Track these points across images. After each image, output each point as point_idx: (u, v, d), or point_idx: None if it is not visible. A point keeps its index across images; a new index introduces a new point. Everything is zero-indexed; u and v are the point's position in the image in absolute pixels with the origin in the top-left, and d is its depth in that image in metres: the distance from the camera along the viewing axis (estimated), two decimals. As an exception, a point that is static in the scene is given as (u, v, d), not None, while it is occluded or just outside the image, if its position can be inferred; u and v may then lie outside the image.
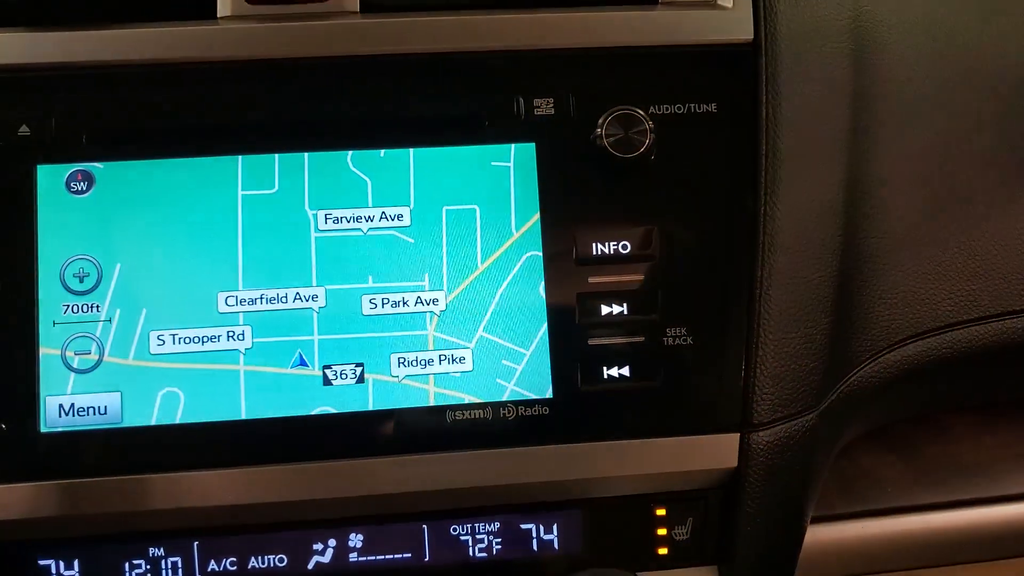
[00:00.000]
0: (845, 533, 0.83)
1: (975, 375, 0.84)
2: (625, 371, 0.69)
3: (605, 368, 0.69)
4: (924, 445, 0.87)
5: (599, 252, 0.70)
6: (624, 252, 0.70)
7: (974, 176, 0.79)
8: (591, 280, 0.70)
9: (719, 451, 0.70)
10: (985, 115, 0.79)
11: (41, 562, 0.69)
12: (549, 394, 0.69)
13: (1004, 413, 0.90)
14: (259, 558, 0.70)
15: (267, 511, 0.68)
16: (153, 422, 0.67)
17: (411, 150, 0.70)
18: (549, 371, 0.69)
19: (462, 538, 0.71)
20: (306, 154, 0.70)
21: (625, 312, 0.70)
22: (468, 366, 0.69)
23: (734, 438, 0.70)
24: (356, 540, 0.71)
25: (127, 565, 0.70)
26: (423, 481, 0.68)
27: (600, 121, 0.69)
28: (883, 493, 0.83)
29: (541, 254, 0.70)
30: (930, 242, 0.78)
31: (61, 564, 0.69)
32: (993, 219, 0.79)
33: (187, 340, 0.68)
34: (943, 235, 0.78)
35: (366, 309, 0.69)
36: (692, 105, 0.72)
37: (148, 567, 0.70)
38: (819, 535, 0.81)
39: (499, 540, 0.72)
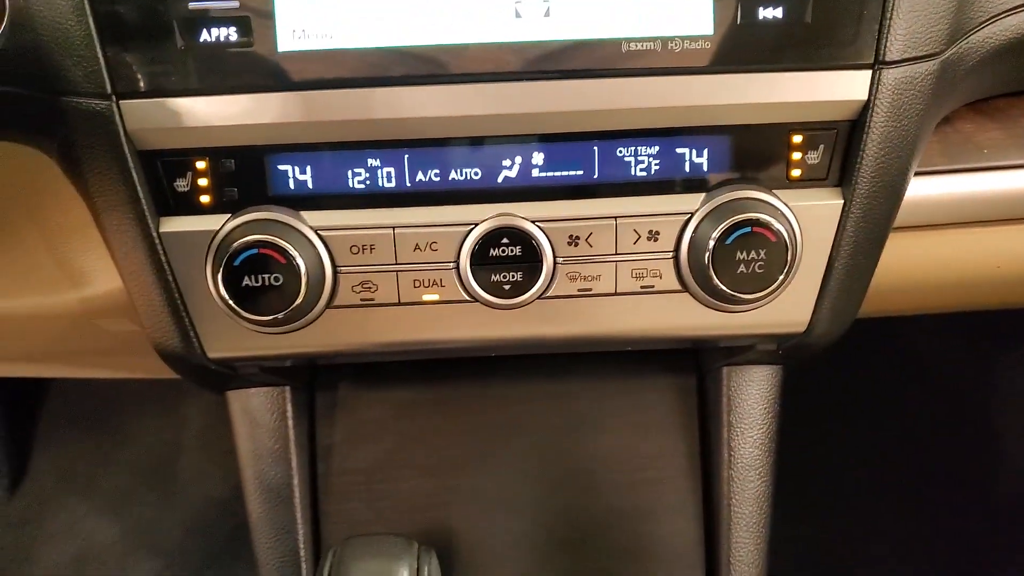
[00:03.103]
0: (943, 187, 0.94)
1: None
2: (778, 12, 0.79)
3: (760, 9, 0.79)
4: (1022, 117, 0.97)
5: None
6: None
7: None
8: None
9: (853, 84, 0.81)
10: None
11: (279, 167, 0.84)
12: (710, 31, 0.79)
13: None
14: (458, 171, 0.84)
15: (466, 125, 0.82)
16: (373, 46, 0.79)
17: None
18: (711, 10, 0.79)
19: (626, 159, 0.85)
20: None
21: (780, -41, 0.79)
22: (639, 7, 0.80)
23: (867, 74, 0.80)
24: (538, 158, 0.84)
25: (350, 173, 0.84)
26: (598, 100, 0.80)
27: None
28: (980, 155, 0.94)
29: None
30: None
31: (296, 169, 0.84)
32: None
33: None
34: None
35: (549, -47, 0.79)
36: None
37: (367, 175, 0.84)
38: (921, 187, 0.93)
39: (657, 161, 0.85)
